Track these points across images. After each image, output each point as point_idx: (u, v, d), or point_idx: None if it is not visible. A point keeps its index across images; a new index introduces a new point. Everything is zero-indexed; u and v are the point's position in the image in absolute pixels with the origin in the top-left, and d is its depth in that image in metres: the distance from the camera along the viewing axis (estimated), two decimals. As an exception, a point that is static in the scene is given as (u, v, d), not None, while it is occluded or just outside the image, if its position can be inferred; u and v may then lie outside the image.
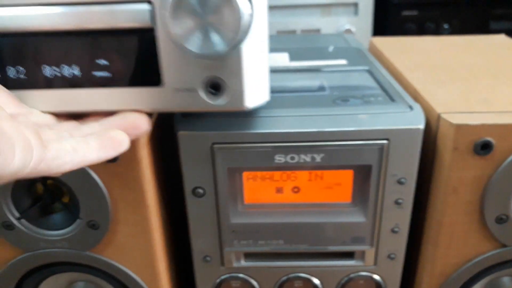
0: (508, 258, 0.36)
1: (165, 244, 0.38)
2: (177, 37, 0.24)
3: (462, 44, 0.51)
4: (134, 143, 0.32)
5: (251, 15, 0.24)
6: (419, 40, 0.54)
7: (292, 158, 0.32)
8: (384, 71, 0.42)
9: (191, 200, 0.35)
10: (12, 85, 0.27)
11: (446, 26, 0.98)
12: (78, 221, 0.35)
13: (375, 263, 0.37)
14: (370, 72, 0.42)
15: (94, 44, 0.26)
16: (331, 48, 0.50)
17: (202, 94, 0.27)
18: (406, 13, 0.97)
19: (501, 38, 0.53)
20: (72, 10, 0.25)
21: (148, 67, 0.27)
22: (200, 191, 0.34)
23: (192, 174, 0.34)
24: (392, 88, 0.38)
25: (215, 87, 0.27)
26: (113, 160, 0.32)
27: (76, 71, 0.27)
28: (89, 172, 0.33)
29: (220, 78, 0.27)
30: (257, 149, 0.32)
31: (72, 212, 0.35)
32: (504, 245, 0.35)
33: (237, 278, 0.39)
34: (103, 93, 0.27)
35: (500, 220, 0.34)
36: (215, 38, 0.24)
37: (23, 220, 0.35)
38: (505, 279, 0.40)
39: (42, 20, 0.25)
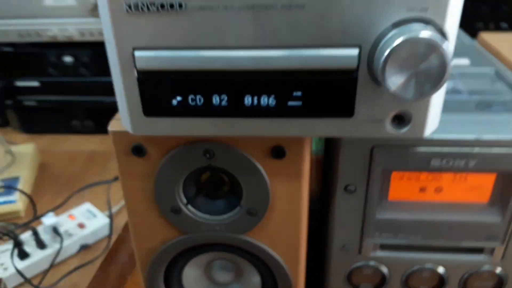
0: None
1: (306, 230, 0.42)
2: (393, 86, 0.26)
3: None
4: (301, 141, 0.35)
5: (452, 58, 0.26)
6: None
7: (447, 162, 0.35)
8: (510, 74, 0.44)
9: (342, 195, 0.38)
10: (214, 111, 0.31)
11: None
12: (238, 208, 0.39)
13: (503, 258, 0.40)
14: (498, 74, 0.44)
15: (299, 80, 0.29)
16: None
17: (388, 125, 0.30)
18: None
19: None
20: (292, 53, 0.28)
21: (343, 102, 0.30)
22: (352, 188, 0.38)
23: (348, 172, 0.37)
24: (528, 95, 0.40)
25: (400, 119, 0.30)
26: (280, 156, 0.36)
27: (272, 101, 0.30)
28: (256, 165, 0.36)
29: (407, 112, 0.30)
30: (415, 153, 0.35)
31: (232, 199, 0.39)
32: None
33: (369, 266, 0.42)
34: (301, 121, 0.31)
35: None
36: (426, 85, 0.26)
37: (189, 206, 0.39)
38: None
39: (264, 62, 0.29)
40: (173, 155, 0.36)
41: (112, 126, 0.37)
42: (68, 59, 0.85)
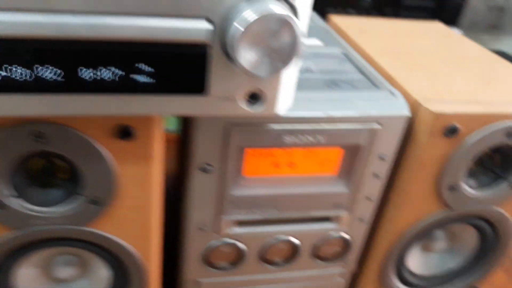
0: (451, 218, 0.45)
1: (159, 217, 0.39)
2: (247, 64, 0.25)
3: (411, 30, 0.57)
4: (151, 120, 0.32)
5: (304, 35, 0.25)
6: (374, 22, 0.59)
7: (298, 138, 0.35)
8: (356, 55, 0.46)
9: (197, 175, 0.36)
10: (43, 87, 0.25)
11: None
12: (78, 197, 0.34)
13: (348, 225, 0.43)
14: (346, 55, 0.46)
15: (142, 51, 0.25)
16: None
17: (242, 103, 0.29)
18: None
19: (439, 25, 0.60)
20: (134, 22, 0.24)
21: (195, 78, 0.27)
22: (208, 167, 0.36)
23: (203, 152, 0.35)
24: (370, 73, 0.42)
25: (253, 97, 0.29)
26: (127, 136, 0.32)
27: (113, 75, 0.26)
28: (98, 148, 0.32)
29: (260, 90, 0.28)
30: (269, 130, 0.34)
31: (70, 187, 0.34)
32: (451, 209, 0.43)
33: (226, 243, 0.41)
34: (149, 98, 0.27)
35: (452, 189, 0.42)
36: (278, 62, 0.25)
37: (16, 198, 0.33)
38: (439, 233, 0.49)
39: (102, 30, 0.24)
40: (-10, 140, 0.29)
41: None
42: None
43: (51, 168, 0.34)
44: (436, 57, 0.48)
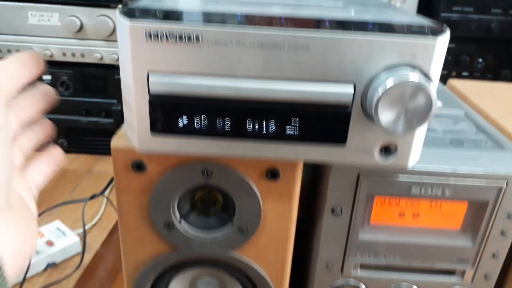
0: None
1: (292, 250, 0.44)
2: (384, 122, 0.30)
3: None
4: (294, 165, 0.38)
5: (436, 98, 0.30)
6: (495, 86, 0.60)
7: (426, 190, 0.39)
8: (478, 116, 0.48)
9: (328, 217, 0.41)
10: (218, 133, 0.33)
11: (480, 60, 1.06)
12: (229, 225, 0.41)
13: (472, 281, 0.44)
14: (467, 116, 0.48)
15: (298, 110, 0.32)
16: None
17: (376, 155, 0.33)
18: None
19: None
20: (294, 86, 0.31)
21: (338, 131, 0.33)
22: (338, 211, 0.40)
23: (335, 196, 0.40)
24: (494, 134, 0.44)
25: (387, 150, 0.33)
26: (274, 177, 0.38)
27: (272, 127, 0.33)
28: (251, 185, 0.39)
29: (394, 144, 0.33)
30: (398, 181, 0.38)
31: (224, 217, 0.41)
32: None
33: (350, 284, 0.45)
34: (299, 147, 0.34)
35: None
36: (414, 121, 0.30)
37: (182, 221, 0.41)
38: None
39: (270, 92, 0.31)
40: (172, 173, 0.38)
41: (114, 143, 0.38)
42: (46, 77, 0.86)
43: (211, 199, 0.42)
44: None
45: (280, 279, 0.44)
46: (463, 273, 0.43)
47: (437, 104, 0.49)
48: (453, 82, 0.61)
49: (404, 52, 0.30)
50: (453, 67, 1.07)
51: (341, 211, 0.40)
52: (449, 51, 1.05)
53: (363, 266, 0.44)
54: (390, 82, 0.29)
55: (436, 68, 0.31)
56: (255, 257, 0.43)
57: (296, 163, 0.38)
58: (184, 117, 0.33)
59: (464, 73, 1.08)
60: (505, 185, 0.38)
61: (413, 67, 0.30)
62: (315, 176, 0.45)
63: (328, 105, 0.32)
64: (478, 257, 0.42)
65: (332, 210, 0.41)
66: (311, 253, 0.44)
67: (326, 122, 0.33)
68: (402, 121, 0.30)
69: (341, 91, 0.31)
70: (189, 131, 0.33)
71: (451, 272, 0.44)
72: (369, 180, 0.39)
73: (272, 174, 0.38)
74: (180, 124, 0.33)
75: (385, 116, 0.30)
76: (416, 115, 0.30)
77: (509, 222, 0.40)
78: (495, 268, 0.43)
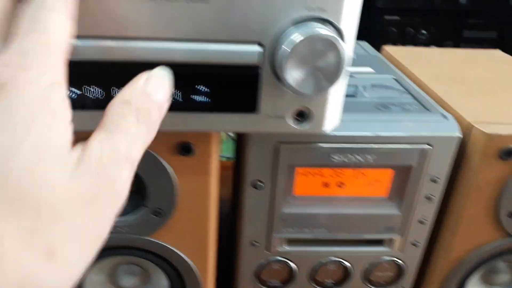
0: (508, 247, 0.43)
1: (215, 231, 0.41)
2: (293, 82, 0.27)
3: (467, 58, 0.57)
4: (208, 138, 0.35)
5: (349, 57, 0.27)
6: (428, 51, 0.59)
7: (347, 158, 0.37)
8: (408, 81, 0.47)
9: (250, 192, 0.38)
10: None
11: (424, 31, 1.07)
12: (143, 208, 0.37)
13: (401, 249, 0.43)
14: (397, 81, 0.47)
15: (200, 73, 0.29)
16: (354, 55, 0.54)
17: (290, 121, 0.31)
18: (388, 17, 1.06)
19: (498, 53, 0.59)
20: (193, 46, 0.28)
21: (247, 97, 0.30)
22: (260, 184, 0.38)
23: (255, 169, 0.37)
24: (422, 97, 0.42)
25: (301, 115, 0.31)
26: (187, 152, 0.35)
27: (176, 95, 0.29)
28: (162, 163, 0.35)
29: (307, 108, 0.30)
30: (317, 149, 0.36)
31: (136, 199, 0.38)
32: (510, 236, 0.42)
33: (277, 261, 0.43)
34: (206, 116, 0.30)
35: (511, 215, 0.40)
36: (323, 81, 0.27)
37: (89, 207, 0.37)
38: (501, 265, 0.47)
39: (165, 54, 0.28)
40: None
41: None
42: None
43: (120, 181, 0.38)
44: (493, 83, 0.48)
45: (203, 262, 0.41)
46: (391, 242, 0.42)
47: (367, 70, 0.48)
48: (387, 48, 0.60)
49: (312, 5, 0.27)
50: (398, 39, 1.08)
51: (263, 185, 0.38)
52: (394, 23, 1.05)
53: (290, 242, 0.42)
54: (297, 37, 0.26)
55: (349, 23, 0.28)
56: (174, 241, 0.40)
57: (210, 135, 0.35)
58: (72, 87, 0.28)
59: (409, 45, 1.09)
60: (428, 147, 0.37)
61: (323, 20, 0.27)
62: (237, 150, 0.41)
63: (234, 67, 0.29)
64: (406, 224, 0.41)
65: (253, 184, 0.38)
66: (236, 231, 0.42)
67: (234, 88, 0.30)
68: (311, 82, 0.27)
69: (247, 50, 0.28)
70: (79, 104, 0.29)
71: (379, 242, 0.43)
72: (288, 149, 0.36)
73: (184, 148, 0.35)
74: (71, 95, 0.28)
75: (294, 75, 0.27)
76: (326, 74, 0.27)
77: (434, 186, 0.39)
78: (422, 234, 0.42)
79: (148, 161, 0.35)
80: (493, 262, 0.46)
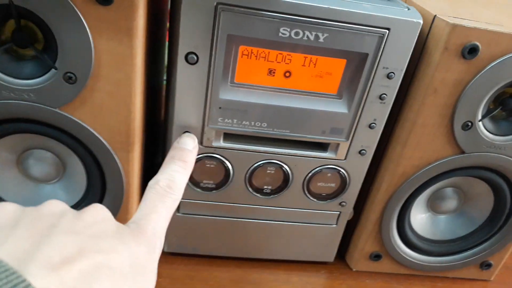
0: (463, 165, 0.40)
1: (143, 111, 0.36)
2: None
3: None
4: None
5: None
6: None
7: (297, 34, 0.32)
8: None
9: (183, 67, 0.33)
10: None
11: None
12: (52, 71, 0.32)
13: (346, 157, 0.39)
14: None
15: None
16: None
17: None
18: None
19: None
20: None
21: None
22: (194, 57, 0.33)
23: (189, 37, 0.32)
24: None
25: None
26: (106, 1, 0.29)
27: None
28: (76, 10, 0.29)
29: None
30: (263, 18, 0.31)
31: (46, 61, 0.32)
32: (462, 152, 0.39)
33: (213, 158, 0.38)
34: None
35: (465, 127, 0.37)
36: None
37: (-14, 62, 0.31)
38: (448, 190, 0.45)
39: None
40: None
41: None
42: None
43: (27, 35, 0.32)
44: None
45: (126, 149, 0.36)
46: (336, 148, 0.39)
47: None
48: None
49: None
50: None
51: (195, 57, 0.33)
52: None
53: (227, 136, 0.38)
54: None
55: None
56: (90, 119, 0.34)
57: (136, -15, 0.29)
58: None
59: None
60: (386, 34, 0.33)
61: None
62: (171, 15, 0.35)
63: None
64: (354, 126, 0.37)
65: (186, 57, 0.33)
66: (168, 115, 0.37)
67: None
68: None
69: None
70: None
71: (323, 147, 0.39)
72: (228, 14, 0.31)
73: (104, -4, 0.29)
74: None
75: None
76: None
77: (389, 83, 0.35)
78: (371, 141, 0.38)
79: (61, 9, 0.29)
80: (441, 185, 0.43)
